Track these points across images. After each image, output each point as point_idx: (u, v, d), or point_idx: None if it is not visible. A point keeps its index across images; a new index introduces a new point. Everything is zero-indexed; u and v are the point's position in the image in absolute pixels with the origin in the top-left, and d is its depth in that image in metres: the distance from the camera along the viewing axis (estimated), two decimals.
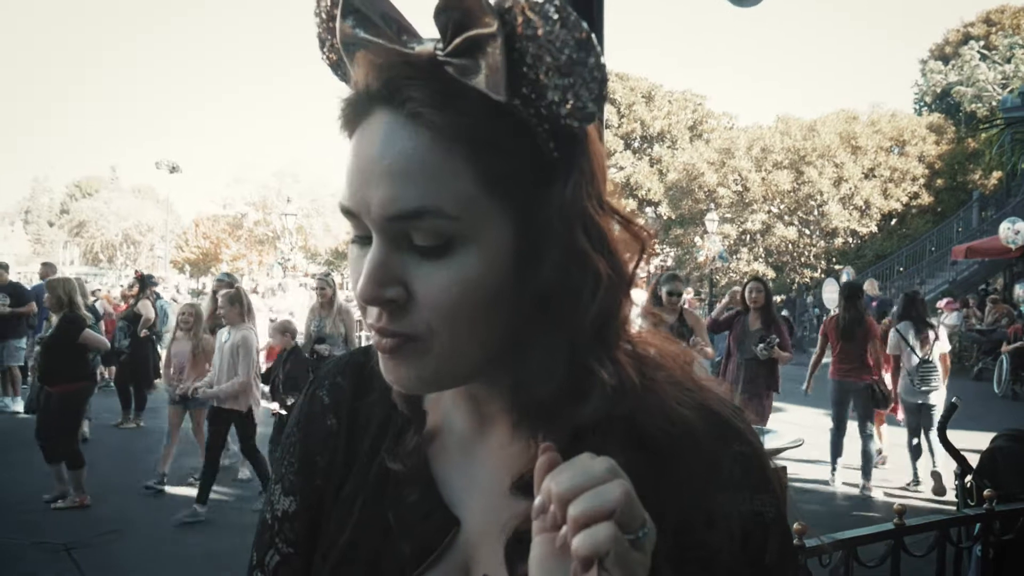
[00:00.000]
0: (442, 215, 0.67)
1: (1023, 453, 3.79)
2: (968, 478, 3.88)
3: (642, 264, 0.75)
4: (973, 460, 3.92)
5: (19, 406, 11.08)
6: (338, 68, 0.77)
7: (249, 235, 50.88)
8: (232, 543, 5.82)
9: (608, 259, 0.72)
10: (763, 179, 32.24)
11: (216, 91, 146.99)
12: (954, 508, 4.23)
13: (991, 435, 3.99)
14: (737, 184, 32.90)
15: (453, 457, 0.83)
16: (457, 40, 0.66)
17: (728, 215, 32.81)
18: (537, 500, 0.62)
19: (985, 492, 2.94)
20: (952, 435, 4.19)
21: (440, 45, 0.67)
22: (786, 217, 32.65)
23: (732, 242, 32.91)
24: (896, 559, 2.48)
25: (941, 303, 19.49)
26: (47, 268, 12.82)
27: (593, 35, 0.65)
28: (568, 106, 0.66)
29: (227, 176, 52.21)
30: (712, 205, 31.61)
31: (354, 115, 0.71)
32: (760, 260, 33.03)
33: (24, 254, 60.38)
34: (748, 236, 33.28)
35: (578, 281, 0.70)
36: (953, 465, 4.00)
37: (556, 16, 0.64)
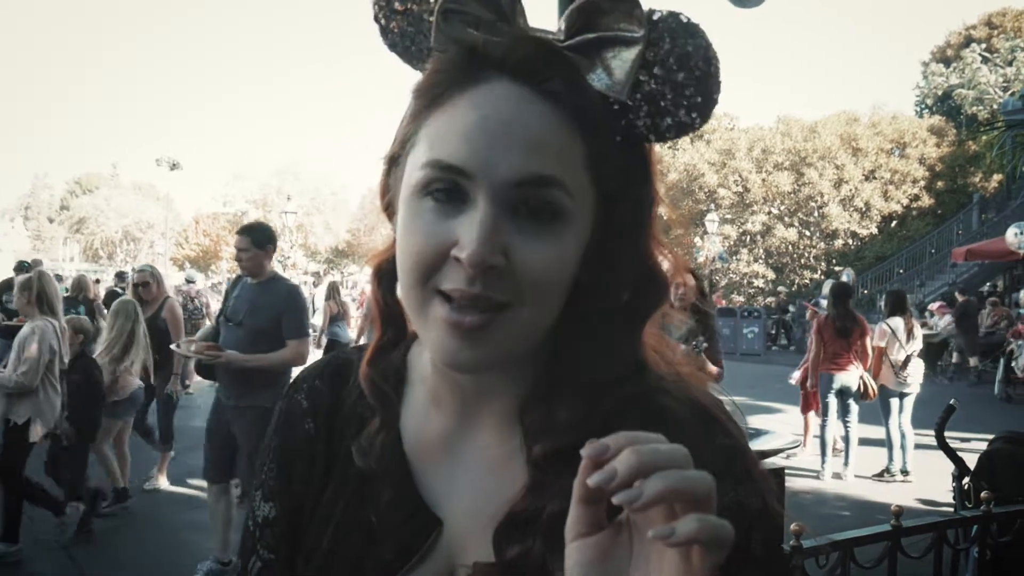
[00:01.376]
0: (565, 189, 0.69)
1: (1020, 456, 3.80)
2: (965, 480, 3.89)
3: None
4: (970, 462, 3.93)
5: None
6: (402, 34, 0.77)
7: None
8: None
9: (657, 264, 0.78)
10: (763, 180, 32.25)
11: (217, 90, 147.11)
12: (951, 510, 4.23)
13: (989, 437, 3.99)
14: (737, 185, 32.90)
15: (434, 457, 0.82)
16: (589, 36, 0.70)
17: (728, 216, 32.81)
18: (597, 476, 0.53)
19: (982, 494, 2.94)
20: (950, 437, 4.19)
21: (560, 38, 0.71)
22: (786, 218, 32.65)
23: (732, 243, 32.92)
24: (893, 560, 2.49)
25: (933, 306, 19.49)
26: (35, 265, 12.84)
27: (719, 64, 0.72)
28: (674, 118, 0.73)
29: (227, 174, 52.17)
30: (712, 206, 31.61)
31: (462, 78, 0.70)
32: (760, 261, 33.04)
33: (24, 250, 60.27)
34: (748, 237, 33.28)
35: (639, 277, 0.76)
36: (949, 466, 4.00)
37: (700, 39, 0.71)
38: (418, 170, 0.71)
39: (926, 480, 7.60)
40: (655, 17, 0.71)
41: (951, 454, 4.04)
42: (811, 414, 8.91)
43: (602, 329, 0.75)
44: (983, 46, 35.95)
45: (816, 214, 32.08)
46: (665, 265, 0.79)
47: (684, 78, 0.71)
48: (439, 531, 0.79)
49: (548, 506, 0.70)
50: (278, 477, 0.88)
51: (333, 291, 14.94)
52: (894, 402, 8.19)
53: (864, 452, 8.46)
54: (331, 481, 0.85)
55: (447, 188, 0.69)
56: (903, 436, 8.16)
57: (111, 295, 12.62)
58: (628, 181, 0.74)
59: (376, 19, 0.77)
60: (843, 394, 8.13)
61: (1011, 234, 17.24)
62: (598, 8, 0.70)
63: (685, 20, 0.71)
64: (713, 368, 7.18)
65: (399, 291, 0.78)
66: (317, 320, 14.04)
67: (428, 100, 0.72)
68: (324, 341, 12.66)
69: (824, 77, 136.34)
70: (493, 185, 0.67)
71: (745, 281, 33.15)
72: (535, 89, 0.68)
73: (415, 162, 0.71)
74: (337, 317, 14.07)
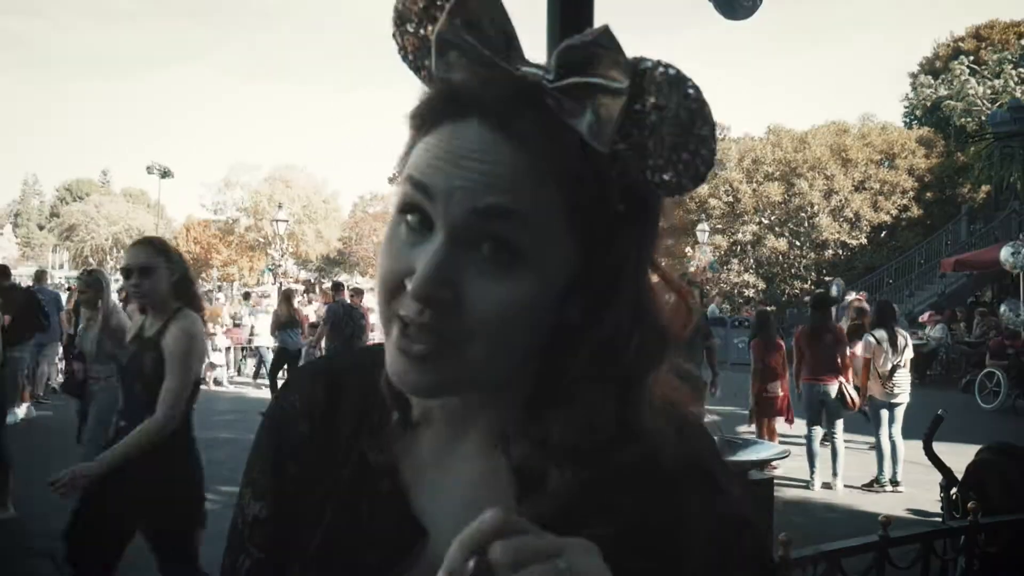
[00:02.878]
0: (526, 225, 0.69)
1: (1008, 466, 3.81)
2: (953, 490, 3.90)
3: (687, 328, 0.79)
4: (958, 472, 3.94)
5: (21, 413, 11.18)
6: (415, 52, 0.79)
7: (240, 241, 50.79)
8: (220, 549, 5.80)
9: (657, 314, 0.76)
10: (754, 190, 32.36)
11: (205, 93, 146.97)
12: (939, 520, 4.24)
13: (977, 448, 4.01)
14: (728, 195, 32.99)
15: (422, 467, 0.83)
16: (573, 80, 0.68)
17: (719, 226, 32.89)
18: (457, 556, 0.58)
19: (970, 504, 2.95)
20: (937, 447, 4.21)
21: (549, 76, 0.69)
22: (777, 228, 32.75)
23: (723, 253, 32.99)
24: (881, 571, 2.49)
25: (924, 316, 19.59)
26: (39, 275, 12.85)
27: (715, 124, 0.69)
28: (666, 176, 0.70)
29: (218, 181, 52.09)
30: (703, 216, 31.68)
31: (445, 113, 0.72)
32: (751, 271, 33.11)
33: (13, 257, 60.02)
34: (739, 247, 33.36)
35: (633, 329, 0.73)
36: (937, 476, 4.01)
37: (692, 95, 0.68)
38: (399, 186, 0.73)
39: (915, 490, 7.62)
40: (640, 67, 0.68)
41: (939, 464, 4.05)
42: (778, 420, 8.96)
43: (597, 389, 0.73)
44: (971, 58, 36.17)
45: (806, 224, 32.19)
46: (676, 305, 0.79)
47: (675, 138, 0.68)
48: (424, 540, 0.80)
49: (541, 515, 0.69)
50: (270, 477, 0.88)
51: (286, 298, 14.91)
52: (884, 413, 8.25)
53: (853, 462, 8.49)
54: (322, 483, 0.85)
55: (418, 213, 0.71)
56: (893, 446, 8.20)
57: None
58: (617, 227, 0.72)
59: (393, 36, 0.80)
60: (824, 404, 8.20)
61: (1005, 253, 17.28)
62: (588, 51, 0.68)
63: (674, 74, 0.68)
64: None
65: None
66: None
67: (416, 125, 0.74)
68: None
69: (814, 88, 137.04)
70: (451, 213, 0.69)
71: (736, 291, 33.22)
72: (505, 131, 0.69)
73: (399, 179, 0.74)
74: (288, 324, 14.00)
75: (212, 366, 17.23)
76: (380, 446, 0.83)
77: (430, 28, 0.75)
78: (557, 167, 0.69)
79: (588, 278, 0.73)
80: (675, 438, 0.76)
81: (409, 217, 0.72)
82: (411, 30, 0.78)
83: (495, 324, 0.70)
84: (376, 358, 0.83)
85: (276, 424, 0.90)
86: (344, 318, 12.02)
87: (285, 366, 14.00)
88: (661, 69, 0.68)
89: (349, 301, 13.24)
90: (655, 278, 0.77)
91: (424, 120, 0.74)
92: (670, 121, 0.68)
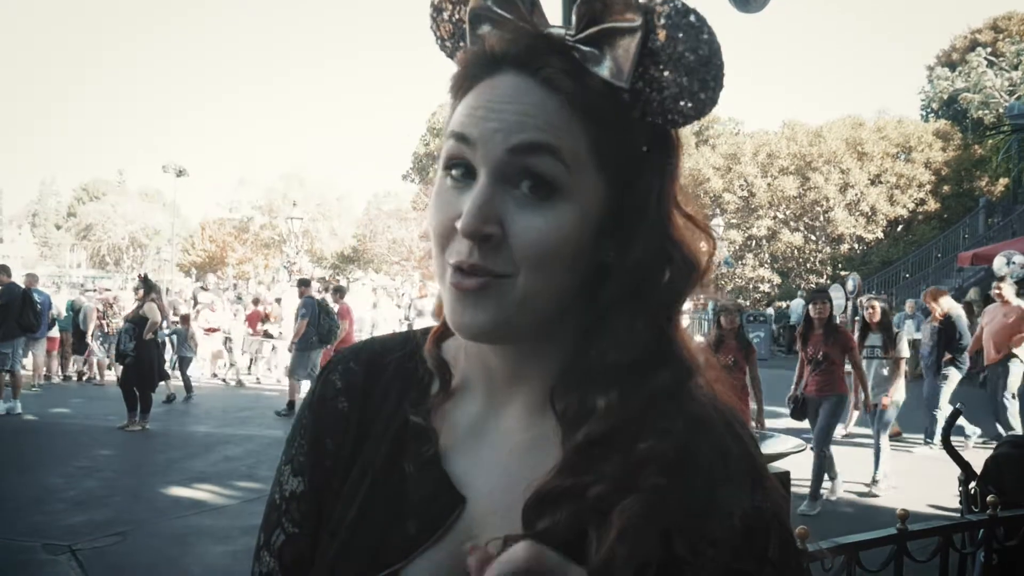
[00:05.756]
0: (559, 158, 0.74)
1: None
2: (972, 484, 3.88)
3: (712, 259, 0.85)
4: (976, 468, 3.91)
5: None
6: (451, 37, 0.86)
7: (255, 238, 51.00)
8: (237, 545, 5.85)
9: (685, 247, 0.81)
10: (769, 185, 32.23)
11: (218, 91, 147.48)
12: (958, 514, 4.22)
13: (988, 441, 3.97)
14: (743, 190, 32.89)
15: (461, 437, 0.86)
16: (592, 30, 0.75)
17: (734, 220, 32.80)
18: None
19: (988, 498, 2.93)
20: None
21: (571, 32, 0.76)
22: (792, 223, 32.62)
23: (738, 248, 32.88)
24: (899, 564, 2.48)
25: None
26: (31, 278, 13.13)
27: (720, 49, 0.75)
28: (681, 104, 0.76)
29: (233, 179, 52.26)
30: (717, 211, 31.59)
31: (480, 72, 0.78)
32: (766, 266, 32.99)
33: (32, 257, 60.54)
34: (754, 242, 33.26)
35: (662, 260, 0.80)
36: (956, 470, 3.99)
37: (697, 25, 0.74)
38: (444, 144, 0.79)
39: (933, 485, 7.57)
40: (652, 5, 0.74)
41: (957, 458, 4.02)
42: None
43: (629, 311, 0.79)
44: (988, 50, 35.89)
45: (822, 219, 32.05)
46: (702, 245, 0.83)
47: (686, 66, 0.75)
48: (462, 508, 0.82)
49: (588, 485, 0.74)
50: (308, 453, 0.91)
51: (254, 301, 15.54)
52: (873, 414, 8.20)
53: (864, 458, 8.45)
54: (360, 457, 0.88)
55: (462, 164, 0.77)
56: (879, 454, 8.06)
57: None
58: (642, 165, 0.79)
59: (431, 28, 0.87)
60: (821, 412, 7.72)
61: (999, 263, 17.09)
62: (602, 0, 0.75)
63: (680, 6, 0.74)
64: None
65: None
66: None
67: (456, 91, 0.80)
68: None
69: (829, 81, 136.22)
70: (490, 155, 0.74)
71: (751, 286, 33.10)
72: (535, 78, 0.75)
73: (443, 138, 0.79)
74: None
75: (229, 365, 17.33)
76: (421, 414, 0.87)
77: (463, 10, 0.83)
78: (584, 107, 0.75)
79: (620, 214, 0.79)
80: (720, 424, 0.81)
81: (453, 171, 0.77)
82: (446, 17, 0.85)
83: (539, 255, 0.74)
84: (418, 337, 0.93)
85: (316, 402, 0.93)
86: (321, 313, 12.41)
87: None
88: (669, 3, 0.74)
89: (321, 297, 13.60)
90: (679, 218, 0.82)
91: (461, 84, 0.79)
92: (680, 51, 0.74)
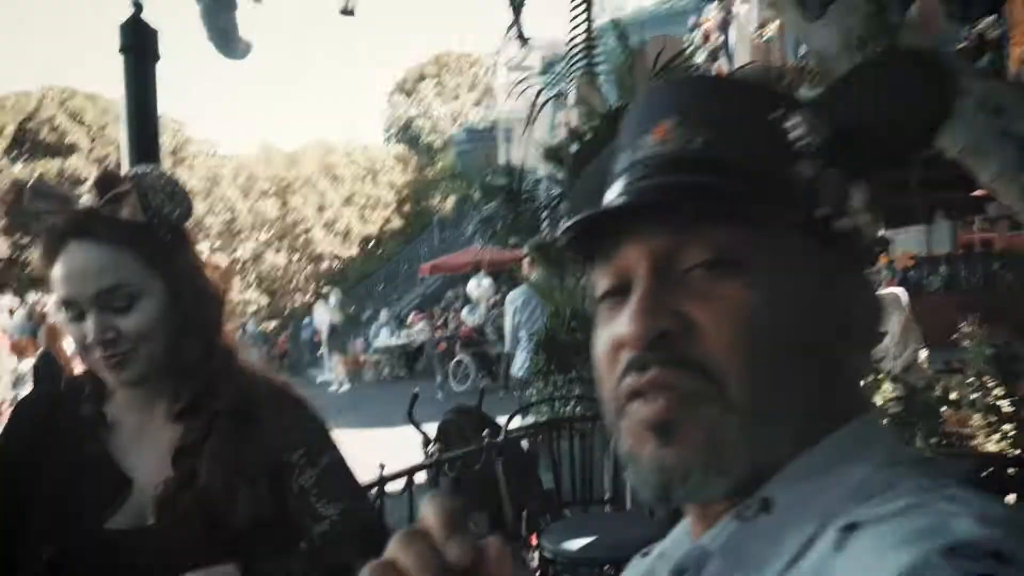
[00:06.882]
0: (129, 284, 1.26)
1: (462, 422, 4.79)
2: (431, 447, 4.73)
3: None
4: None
5: None
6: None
7: None
8: None
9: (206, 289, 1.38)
10: (250, 208, 32.32)
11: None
12: None
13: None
14: (225, 212, 32.57)
15: (127, 440, 1.29)
16: (108, 195, 1.25)
17: (218, 244, 32.22)
18: None
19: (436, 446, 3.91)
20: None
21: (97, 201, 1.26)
22: (276, 244, 33.10)
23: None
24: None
25: (411, 317, 21.40)
26: None
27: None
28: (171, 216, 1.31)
29: None
30: (199, 235, 30.61)
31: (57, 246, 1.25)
32: (252, 287, 32.97)
33: None
34: (239, 265, 33.01)
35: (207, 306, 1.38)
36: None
37: (170, 189, 1.31)
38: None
39: None
40: (141, 175, 1.28)
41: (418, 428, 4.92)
42: None
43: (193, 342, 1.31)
44: (435, 81, 39.65)
45: (303, 239, 33.23)
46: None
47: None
48: (130, 488, 1.25)
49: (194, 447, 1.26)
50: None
51: None
52: None
53: None
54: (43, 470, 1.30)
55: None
56: None
57: None
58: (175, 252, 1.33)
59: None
60: None
61: (471, 285, 19.19)
62: (108, 179, 1.27)
63: (164, 175, 1.32)
64: None
65: None
66: None
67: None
68: None
69: (303, 106, 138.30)
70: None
71: (238, 309, 32.47)
72: (99, 242, 1.25)
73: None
74: None
75: None
76: (91, 433, 1.30)
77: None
78: (129, 238, 1.27)
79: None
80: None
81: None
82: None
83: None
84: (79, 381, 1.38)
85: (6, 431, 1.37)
86: None
87: None
88: (150, 180, 1.28)
89: None
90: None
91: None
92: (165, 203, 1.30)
